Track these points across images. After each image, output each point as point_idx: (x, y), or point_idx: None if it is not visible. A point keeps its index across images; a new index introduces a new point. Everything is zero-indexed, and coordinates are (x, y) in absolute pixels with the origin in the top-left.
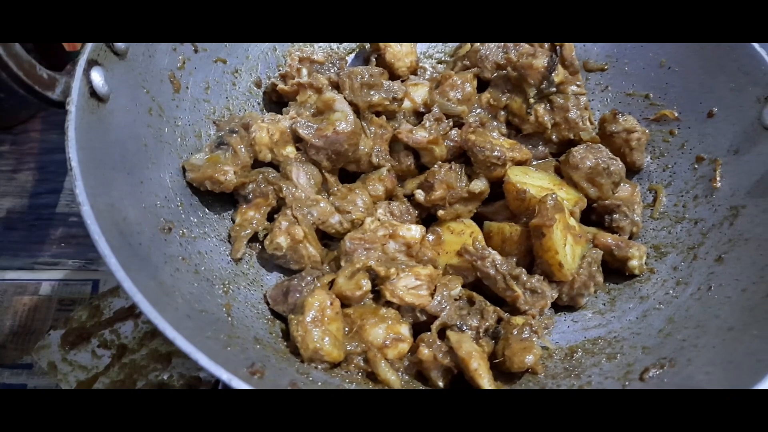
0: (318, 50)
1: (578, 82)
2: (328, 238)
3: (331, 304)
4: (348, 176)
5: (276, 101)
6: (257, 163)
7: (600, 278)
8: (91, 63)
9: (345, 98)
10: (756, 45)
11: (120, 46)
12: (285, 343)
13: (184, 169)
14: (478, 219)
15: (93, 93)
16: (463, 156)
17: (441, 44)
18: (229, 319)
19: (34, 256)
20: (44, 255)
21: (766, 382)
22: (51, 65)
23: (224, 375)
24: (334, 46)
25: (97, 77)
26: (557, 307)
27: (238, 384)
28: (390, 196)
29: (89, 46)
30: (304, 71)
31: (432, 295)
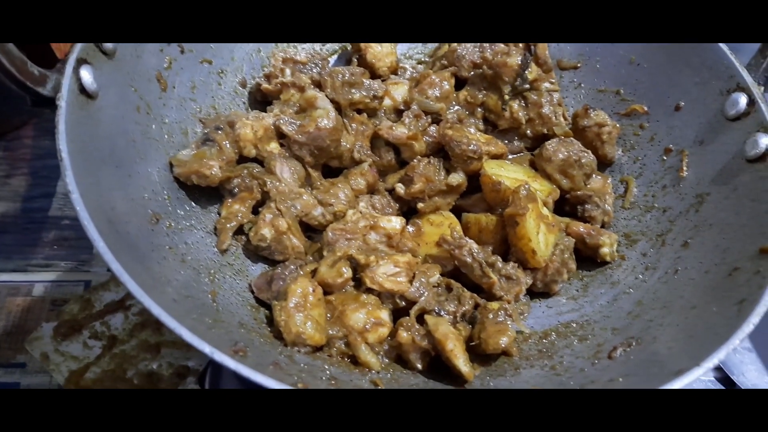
0: (301, 51)
1: (552, 80)
2: (311, 231)
3: (314, 290)
4: (331, 172)
5: (261, 101)
6: (242, 159)
7: (573, 265)
8: (81, 61)
9: (327, 96)
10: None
11: (108, 46)
12: (269, 329)
13: (171, 165)
14: (457, 211)
15: (82, 90)
16: (441, 151)
17: (420, 45)
18: (215, 304)
19: (27, 258)
20: (37, 257)
21: (722, 353)
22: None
23: (207, 348)
24: (317, 47)
25: (86, 75)
26: (533, 294)
27: (220, 357)
28: (372, 190)
29: (78, 45)
30: (288, 71)
31: (411, 281)
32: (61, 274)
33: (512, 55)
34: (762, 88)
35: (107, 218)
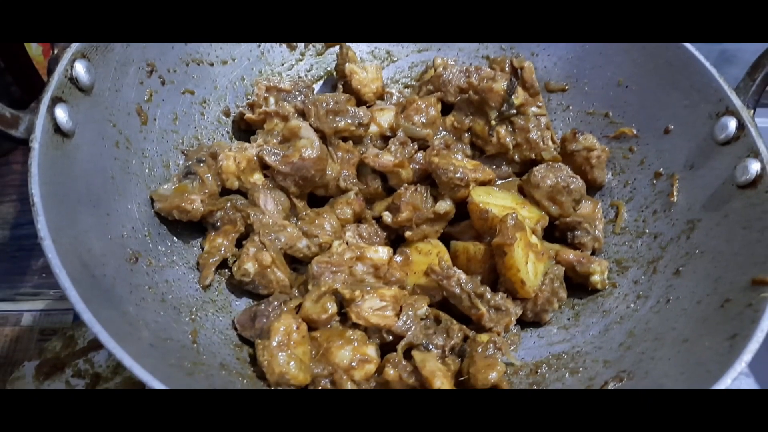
0: (286, 79)
1: (539, 103)
2: (297, 263)
3: (297, 328)
4: (317, 200)
5: (245, 129)
6: (225, 191)
7: (563, 294)
8: (55, 100)
9: (311, 125)
10: (706, 63)
11: (85, 82)
12: (252, 369)
13: (152, 200)
14: (446, 239)
15: (57, 129)
16: (428, 178)
17: (407, 69)
18: (195, 345)
19: (16, 287)
20: (26, 286)
21: None
22: (27, 90)
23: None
24: (302, 73)
25: (61, 114)
26: (523, 323)
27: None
28: (359, 219)
29: (53, 83)
30: (272, 100)
31: (398, 315)
32: (50, 303)
33: (498, 80)
34: (752, 112)
35: (82, 262)
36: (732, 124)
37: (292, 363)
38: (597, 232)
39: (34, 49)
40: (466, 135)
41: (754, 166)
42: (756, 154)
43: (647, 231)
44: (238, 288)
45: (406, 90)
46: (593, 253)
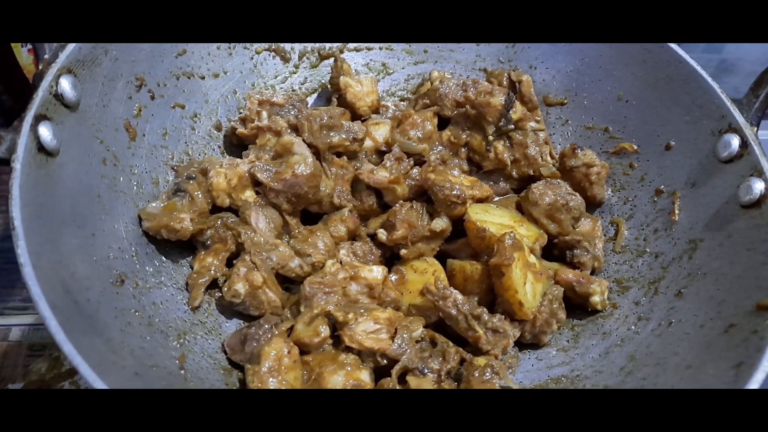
0: (279, 92)
1: (537, 118)
2: (290, 282)
3: (289, 352)
4: (310, 216)
5: (237, 144)
6: (216, 209)
7: (562, 315)
8: (39, 118)
9: (304, 140)
10: (708, 78)
11: (71, 98)
12: None
13: (140, 218)
14: (442, 257)
15: (41, 148)
16: (424, 194)
17: (403, 81)
18: (182, 372)
19: (4, 301)
20: (14, 299)
21: None
22: (18, 99)
23: None
24: (296, 86)
25: (45, 132)
26: (522, 345)
27: None
28: (353, 236)
29: (36, 100)
30: (264, 114)
31: (392, 338)
32: (39, 317)
33: (495, 94)
34: (755, 129)
35: (64, 287)
36: (735, 141)
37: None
38: (597, 250)
39: (25, 58)
40: (463, 150)
41: (758, 186)
42: (760, 173)
43: (648, 250)
44: (228, 309)
45: (402, 103)
46: (593, 273)
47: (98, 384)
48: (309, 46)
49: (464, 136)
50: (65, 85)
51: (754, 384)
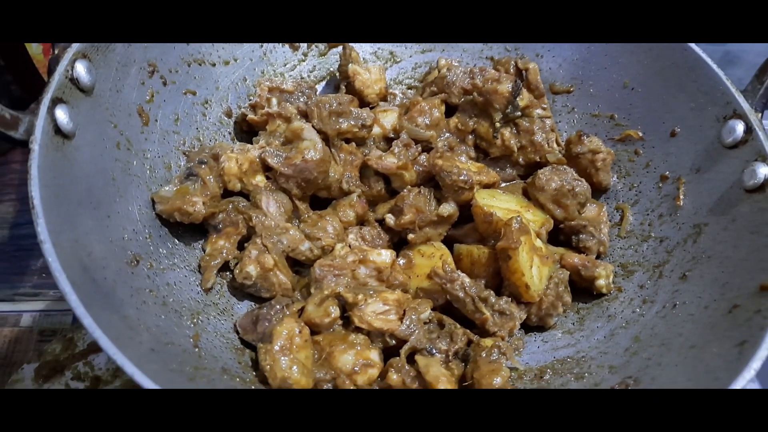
0: (288, 80)
1: (544, 105)
2: (299, 265)
3: (300, 332)
4: (320, 202)
5: (247, 131)
6: (227, 193)
7: (568, 298)
8: (56, 101)
9: (314, 126)
10: (713, 65)
11: (86, 82)
12: (254, 373)
13: (153, 202)
14: (449, 242)
15: (58, 130)
16: (432, 180)
17: (410, 70)
18: (197, 350)
19: (15, 287)
20: (25, 286)
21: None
22: (27, 89)
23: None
24: (305, 74)
25: (61, 115)
26: (528, 327)
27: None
28: (361, 221)
29: (53, 84)
30: (274, 101)
31: (401, 319)
32: (50, 304)
33: (503, 81)
34: (759, 115)
35: (82, 265)
36: (740, 127)
37: (295, 367)
38: (602, 235)
39: (35, 48)
40: (470, 137)
41: (762, 171)
42: (764, 158)
43: (653, 235)
44: (240, 291)
45: (409, 91)
46: (598, 257)
47: (117, 356)
48: None
49: (471, 123)
50: (80, 69)
51: (758, 361)
